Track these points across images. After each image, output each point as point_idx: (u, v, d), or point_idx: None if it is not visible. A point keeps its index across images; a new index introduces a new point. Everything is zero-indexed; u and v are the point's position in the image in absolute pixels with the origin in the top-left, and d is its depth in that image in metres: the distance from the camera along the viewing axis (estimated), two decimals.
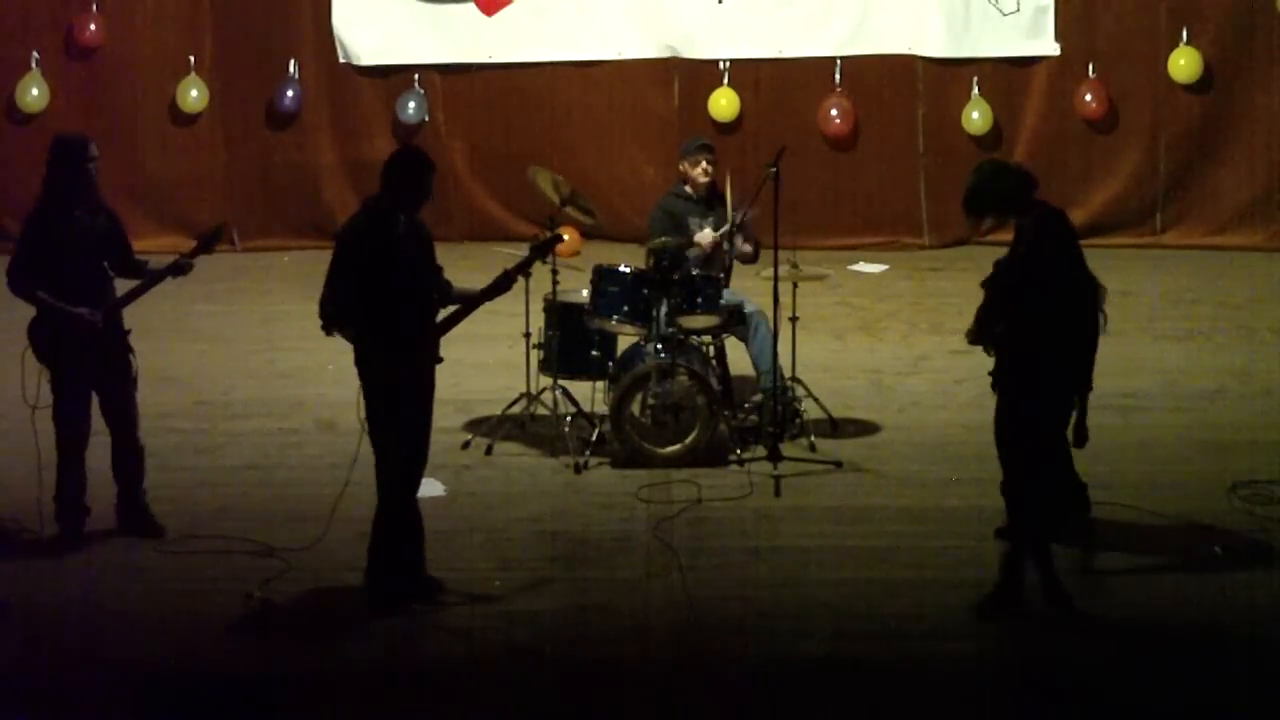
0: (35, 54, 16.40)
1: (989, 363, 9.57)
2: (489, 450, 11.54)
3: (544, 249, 10.09)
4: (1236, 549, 10.05)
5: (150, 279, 10.30)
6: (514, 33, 16.63)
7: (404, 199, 9.34)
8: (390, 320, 9.26)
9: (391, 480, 9.36)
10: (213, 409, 12.42)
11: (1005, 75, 16.60)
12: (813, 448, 11.54)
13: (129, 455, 10.32)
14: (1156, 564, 9.99)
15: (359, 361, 9.37)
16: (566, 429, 11.51)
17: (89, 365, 10.11)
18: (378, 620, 9.38)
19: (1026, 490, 9.53)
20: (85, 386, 10.17)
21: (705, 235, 11.82)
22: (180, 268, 10.30)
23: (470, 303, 9.51)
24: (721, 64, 16.63)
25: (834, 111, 16.54)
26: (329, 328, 9.40)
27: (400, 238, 9.29)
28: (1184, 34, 16.29)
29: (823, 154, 16.62)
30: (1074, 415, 9.53)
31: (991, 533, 10.19)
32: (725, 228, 11.79)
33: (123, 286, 10.34)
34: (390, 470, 9.35)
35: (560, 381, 11.66)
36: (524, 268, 9.87)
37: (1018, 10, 16.45)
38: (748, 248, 11.94)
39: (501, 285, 9.58)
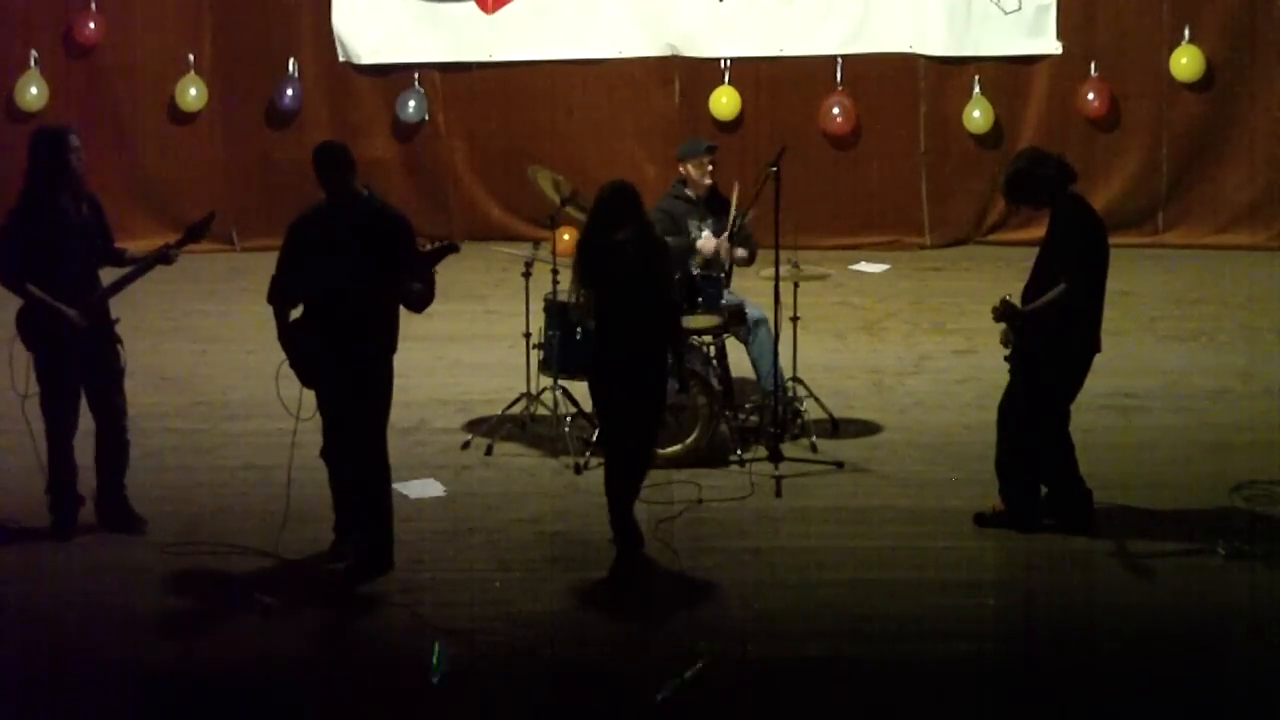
0: (34, 52, 16.37)
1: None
2: (489, 450, 11.53)
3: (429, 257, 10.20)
4: (1239, 549, 10.02)
5: (137, 268, 10.32)
6: (514, 31, 16.61)
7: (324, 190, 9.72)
8: (307, 303, 9.71)
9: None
10: (212, 409, 12.40)
11: (1007, 74, 16.57)
12: (814, 448, 11.52)
13: (114, 448, 10.33)
14: (1158, 564, 9.97)
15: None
16: (567, 429, 11.49)
17: (76, 357, 10.13)
18: (378, 620, 9.38)
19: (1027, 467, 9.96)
20: (72, 377, 10.18)
21: (707, 243, 11.78)
22: (167, 257, 10.30)
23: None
24: (722, 62, 16.61)
25: (835, 110, 16.52)
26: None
27: (313, 227, 9.66)
28: (1186, 33, 16.27)
29: (824, 153, 16.59)
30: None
31: (991, 532, 10.21)
32: (725, 234, 11.76)
33: (107, 276, 10.34)
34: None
35: (560, 381, 11.64)
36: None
37: (1019, 9, 16.43)
38: (742, 253, 11.90)
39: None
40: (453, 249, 9.65)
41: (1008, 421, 10.19)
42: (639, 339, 9.81)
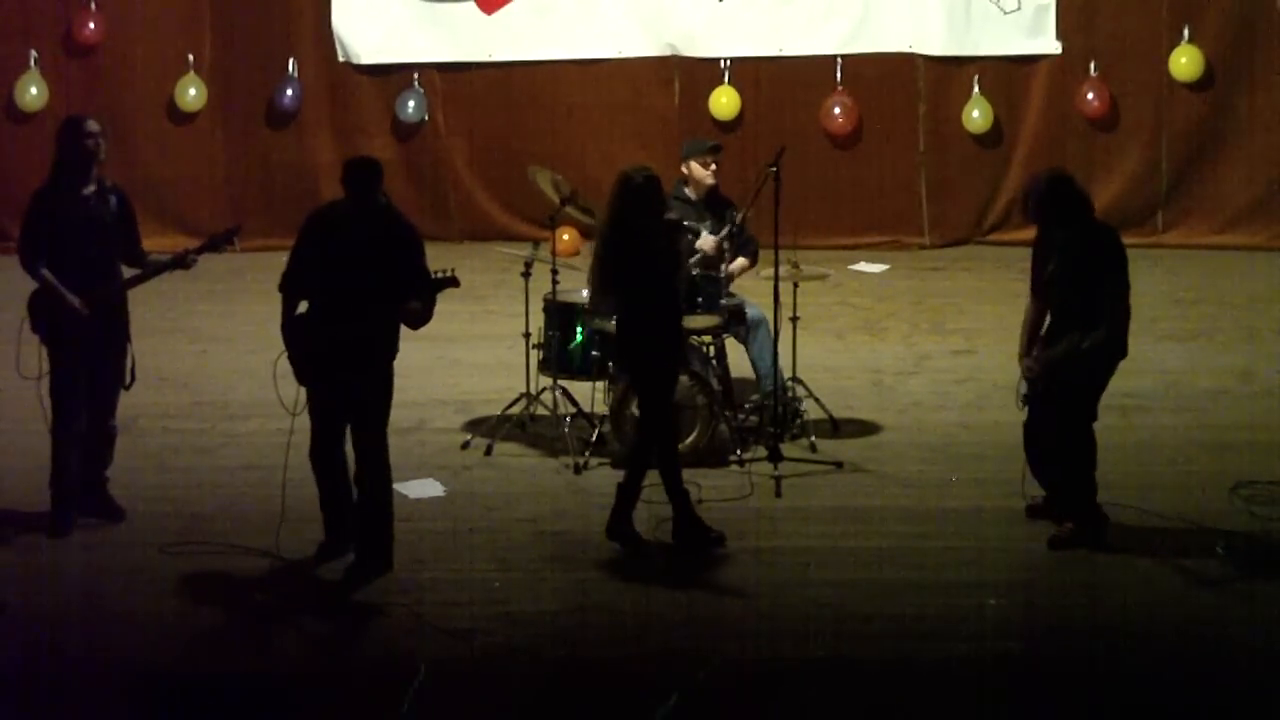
0: (34, 52, 16.39)
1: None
2: (489, 450, 11.53)
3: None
4: (1238, 549, 10.03)
5: (153, 269, 10.39)
6: (514, 31, 16.61)
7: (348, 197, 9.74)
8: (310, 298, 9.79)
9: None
10: (212, 409, 12.40)
11: (1006, 74, 16.58)
12: (813, 448, 11.52)
13: (101, 439, 10.38)
14: (1157, 564, 9.96)
15: None
16: (566, 429, 11.49)
17: (85, 345, 10.17)
18: (377, 620, 9.38)
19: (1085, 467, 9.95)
20: (81, 365, 10.21)
21: (705, 241, 11.78)
22: (185, 262, 10.35)
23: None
24: (722, 62, 16.61)
25: (835, 110, 16.52)
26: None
27: (328, 225, 9.71)
28: (1185, 32, 16.27)
29: (823, 153, 16.59)
30: None
31: (992, 532, 10.20)
32: (725, 229, 11.78)
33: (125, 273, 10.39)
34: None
35: (560, 381, 11.64)
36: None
37: (1019, 8, 16.43)
38: (743, 261, 11.90)
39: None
40: (454, 283, 9.68)
41: (1041, 438, 10.11)
42: (663, 319, 9.96)
